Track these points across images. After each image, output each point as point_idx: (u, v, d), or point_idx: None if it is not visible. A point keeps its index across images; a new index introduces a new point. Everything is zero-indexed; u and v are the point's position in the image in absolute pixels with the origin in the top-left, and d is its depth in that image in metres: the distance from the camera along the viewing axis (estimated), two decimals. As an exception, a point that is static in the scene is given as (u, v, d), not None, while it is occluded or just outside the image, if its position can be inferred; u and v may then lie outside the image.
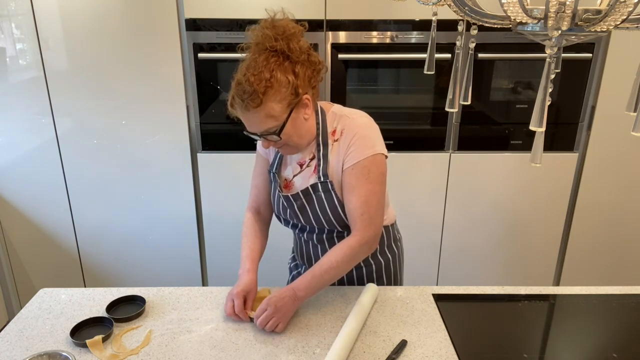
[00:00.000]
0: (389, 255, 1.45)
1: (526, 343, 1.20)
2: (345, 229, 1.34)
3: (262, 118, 1.19)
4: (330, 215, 1.31)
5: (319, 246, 1.41)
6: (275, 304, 1.20)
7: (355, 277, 1.43)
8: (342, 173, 1.27)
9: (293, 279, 1.55)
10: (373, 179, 1.25)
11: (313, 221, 1.34)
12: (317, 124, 1.30)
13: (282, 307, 1.21)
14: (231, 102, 1.21)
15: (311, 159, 1.32)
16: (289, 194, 1.33)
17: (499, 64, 2.20)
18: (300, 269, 1.52)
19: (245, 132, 1.26)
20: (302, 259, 1.49)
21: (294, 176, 1.35)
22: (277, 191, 1.37)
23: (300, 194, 1.31)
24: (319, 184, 1.29)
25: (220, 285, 1.43)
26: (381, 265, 1.43)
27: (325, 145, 1.29)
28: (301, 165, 1.34)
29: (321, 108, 1.32)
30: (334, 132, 1.29)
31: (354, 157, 1.25)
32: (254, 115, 1.18)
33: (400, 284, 1.52)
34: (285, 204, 1.36)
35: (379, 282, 1.44)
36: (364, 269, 1.42)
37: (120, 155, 2.27)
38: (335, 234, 1.37)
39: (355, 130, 1.26)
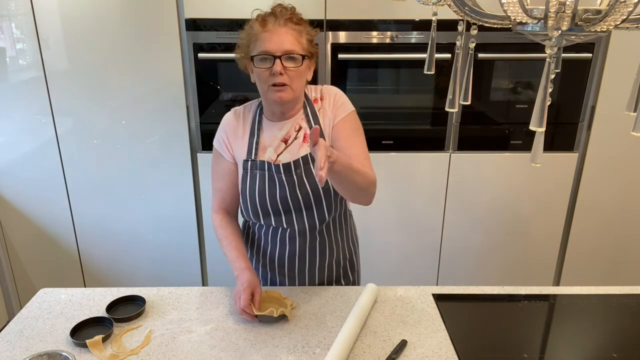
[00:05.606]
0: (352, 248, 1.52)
1: (526, 343, 1.20)
2: (323, 214, 1.35)
3: (293, 39, 1.24)
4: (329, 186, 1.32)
5: (287, 246, 1.39)
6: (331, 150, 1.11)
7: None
8: (334, 127, 1.33)
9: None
10: (361, 131, 1.36)
11: (300, 197, 1.31)
12: (305, 95, 1.37)
13: (334, 153, 1.12)
14: (262, 20, 1.25)
15: (297, 131, 1.34)
16: (290, 161, 1.30)
17: (499, 64, 2.20)
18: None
19: (254, 55, 1.25)
20: (257, 254, 1.46)
21: (278, 155, 1.33)
22: (265, 177, 1.31)
23: (294, 163, 1.31)
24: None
25: (220, 285, 1.43)
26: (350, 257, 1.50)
27: (314, 114, 1.35)
28: (286, 142, 1.34)
29: None
30: (315, 100, 1.38)
31: (344, 110, 1.34)
32: (288, 32, 1.24)
33: (358, 275, 1.57)
34: (282, 179, 1.31)
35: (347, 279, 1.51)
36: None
37: (120, 155, 2.26)
38: (308, 231, 1.37)
39: (335, 91, 1.38)
